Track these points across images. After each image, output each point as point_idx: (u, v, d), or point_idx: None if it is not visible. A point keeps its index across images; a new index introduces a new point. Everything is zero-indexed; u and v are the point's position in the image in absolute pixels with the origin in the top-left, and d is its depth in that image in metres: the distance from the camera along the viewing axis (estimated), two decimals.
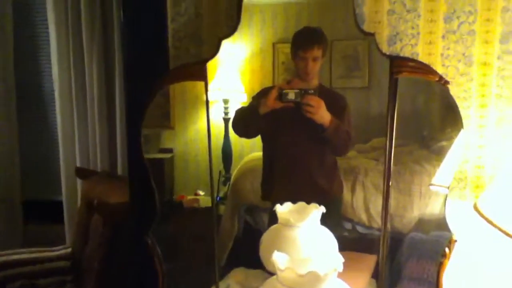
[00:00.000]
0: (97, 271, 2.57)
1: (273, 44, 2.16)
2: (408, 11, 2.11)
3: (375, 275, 2.07)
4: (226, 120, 2.20)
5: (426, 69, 1.82)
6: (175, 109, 2.22)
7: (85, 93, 3.15)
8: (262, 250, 1.76)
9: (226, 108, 2.19)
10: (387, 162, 1.93)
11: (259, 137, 2.17)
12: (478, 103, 2.14)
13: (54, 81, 3.20)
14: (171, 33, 2.19)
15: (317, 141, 2.05)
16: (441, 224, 2.08)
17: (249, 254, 2.12)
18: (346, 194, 2.19)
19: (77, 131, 3.19)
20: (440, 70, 2.01)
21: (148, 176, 1.95)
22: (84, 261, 2.80)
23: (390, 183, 1.96)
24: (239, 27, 1.96)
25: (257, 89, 2.12)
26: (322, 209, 1.73)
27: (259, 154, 2.18)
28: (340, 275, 1.46)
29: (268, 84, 2.13)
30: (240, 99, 2.17)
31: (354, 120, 2.10)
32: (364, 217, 2.21)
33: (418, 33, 2.12)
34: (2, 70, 3.29)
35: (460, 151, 2.01)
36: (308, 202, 1.81)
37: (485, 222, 1.78)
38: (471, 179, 2.18)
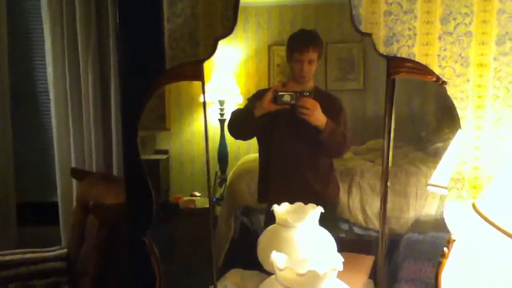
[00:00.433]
0: (92, 272, 2.58)
1: (269, 47, 2.17)
2: (404, 12, 2.14)
3: (372, 276, 2.11)
4: (222, 122, 2.21)
5: (424, 70, 1.85)
6: (171, 110, 2.23)
7: (80, 94, 3.16)
8: (260, 251, 1.80)
9: (222, 110, 2.21)
10: (384, 163, 1.97)
11: (255, 138, 2.19)
12: (474, 104, 2.18)
13: (49, 81, 3.22)
14: (167, 33, 2.20)
15: (312, 144, 2.07)
16: (438, 225, 2.12)
17: (245, 255, 2.16)
18: (343, 196, 2.22)
19: (72, 132, 3.20)
20: (436, 71, 2.03)
21: (144, 177, 1.97)
22: (80, 263, 2.81)
23: (388, 183, 2.00)
24: (235, 29, 1.98)
25: (252, 91, 2.15)
26: (320, 209, 1.76)
27: (255, 155, 2.20)
28: (337, 276, 1.48)
29: (264, 86, 2.15)
30: (236, 101, 2.19)
31: (350, 122, 2.12)
32: (360, 218, 2.24)
33: (415, 34, 2.15)
34: None
35: (458, 152, 2.04)
36: (305, 204, 1.84)
37: (484, 221, 1.80)
38: (469, 180, 2.22)
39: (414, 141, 2.24)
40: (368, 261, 2.14)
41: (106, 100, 3.14)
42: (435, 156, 2.19)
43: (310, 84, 2.14)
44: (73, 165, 3.23)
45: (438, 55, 2.16)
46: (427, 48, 2.16)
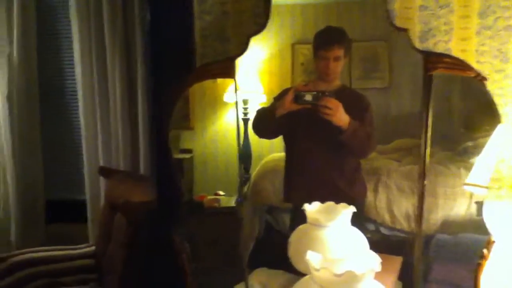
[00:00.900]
0: (120, 269, 2.60)
1: (292, 45, 2.19)
2: (440, 6, 2.11)
3: (401, 277, 2.09)
4: (245, 121, 2.25)
5: (463, 65, 1.82)
6: (194, 110, 2.27)
7: (107, 93, 3.19)
8: (291, 250, 1.81)
9: (245, 109, 2.24)
10: (422, 162, 1.95)
11: (278, 138, 2.21)
12: None
13: (77, 80, 3.26)
14: (197, 31, 2.23)
15: (336, 144, 2.07)
16: (468, 226, 2.11)
17: (270, 254, 2.18)
18: (369, 195, 2.23)
19: (100, 131, 3.24)
20: (474, 66, 1.97)
21: (173, 175, 1.99)
22: (107, 260, 2.84)
23: (425, 182, 1.98)
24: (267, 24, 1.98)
25: (275, 90, 2.16)
26: (352, 208, 1.75)
27: (278, 154, 2.23)
28: None
29: (287, 85, 2.16)
30: (259, 100, 2.21)
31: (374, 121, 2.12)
32: (387, 218, 2.24)
33: (452, 29, 2.12)
34: (25, 70, 3.36)
35: (498, 149, 1.98)
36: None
37: None
38: (507, 179, 2.17)
39: (439, 140, 2.19)
40: (396, 262, 2.11)
41: (133, 98, 3.17)
42: (464, 155, 2.19)
43: (337, 83, 2.14)
44: (100, 163, 3.27)
45: (476, 50, 2.12)
46: (464, 43, 2.12)
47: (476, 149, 2.20)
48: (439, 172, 2.18)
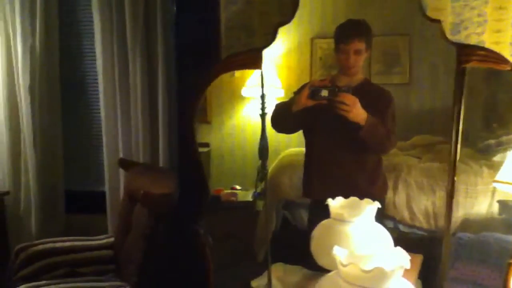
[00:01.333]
0: (139, 261, 2.62)
1: (311, 39, 2.18)
2: None
3: (421, 275, 2.06)
4: (263, 116, 2.25)
5: (498, 58, 1.77)
6: (212, 104, 2.28)
7: (128, 86, 3.22)
8: (313, 245, 1.80)
9: (263, 104, 2.25)
10: (452, 158, 1.91)
11: (295, 133, 2.22)
12: None
13: (98, 73, 3.30)
14: (223, 22, 2.23)
15: (356, 139, 2.05)
16: (490, 225, 2.10)
17: (287, 249, 2.20)
18: (389, 192, 2.23)
19: (120, 123, 3.28)
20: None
21: (197, 168, 2.00)
22: (126, 251, 2.87)
23: (455, 180, 1.94)
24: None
25: (294, 85, 2.16)
26: (377, 204, 1.73)
27: (295, 149, 2.23)
28: None
29: (305, 80, 2.16)
30: (277, 95, 2.22)
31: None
32: (406, 216, 2.24)
33: (485, 21, 2.08)
34: (47, 62, 3.42)
35: None
36: None
37: None
38: None
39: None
40: (416, 260, 2.07)
41: (153, 91, 3.20)
42: (486, 153, 2.17)
43: (359, 76, 2.13)
44: (120, 155, 3.30)
45: (511, 43, 2.08)
46: (498, 36, 2.08)
47: (499, 147, 2.19)
48: (460, 169, 2.13)
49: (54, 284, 2.70)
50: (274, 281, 2.15)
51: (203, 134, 2.15)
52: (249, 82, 2.21)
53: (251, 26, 2.23)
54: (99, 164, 3.55)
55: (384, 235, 1.77)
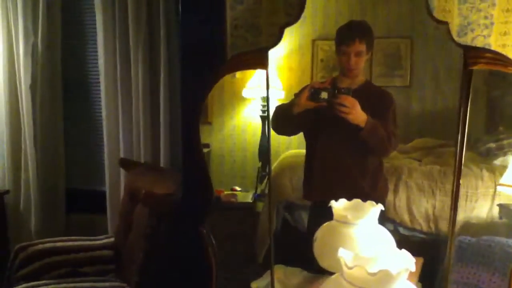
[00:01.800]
0: (140, 261, 2.64)
1: (312, 41, 2.18)
2: (482, 0, 2.06)
3: (422, 278, 2.06)
4: (263, 118, 2.27)
5: (505, 60, 1.77)
6: (213, 104, 2.29)
7: (130, 85, 3.25)
8: (317, 247, 1.77)
9: (263, 106, 2.25)
10: (457, 162, 1.90)
11: (297, 135, 2.23)
12: None
13: (100, 72, 3.33)
14: (229, 21, 2.21)
15: (356, 142, 2.05)
16: (490, 228, 2.10)
17: (287, 251, 2.20)
18: (389, 195, 2.22)
19: (122, 123, 3.31)
20: None
21: (201, 168, 2.00)
22: (127, 251, 2.90)
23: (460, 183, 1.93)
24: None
25: (295, 87, 2.16)
26: (380, 207, 1.72)
27: (296, 151, 2.23)
28: None
29: (306, 81, 2.16)
30: (277, 97, 2.22)
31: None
32: (406, 218, 2.24)
33: (492, 23, 2.07)
34: (49, 60, 3.45)
35: None
36: None
37: None
38: None
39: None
40: (417, 263, 2.08)
41: (155, 91, 3.22)
42: (487, 156, 2.17)
43: (361, 78, 2.13)
44: (121, 155, 3.33)
45: None
46: (505, 38, 2.07)
47: (500, 150, 2.20)
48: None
49: (54, 284, 2.72)
50: (274, 283, 2.12)
51: (204, 135, 2.13)
52: (250, 83, 2.22)
53: (258, 25, 2.22)
54: (100, 164, 3.57)
55: (387, 238, 1.75)
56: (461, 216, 2.16)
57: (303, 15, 2.00)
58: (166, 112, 3.18)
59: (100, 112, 3.41)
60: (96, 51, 3.36)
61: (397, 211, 2.24)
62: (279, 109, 2.16)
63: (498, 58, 1.77)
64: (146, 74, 3.19)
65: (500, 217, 2.19)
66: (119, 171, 3.34)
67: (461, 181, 2.09)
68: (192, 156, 2.03)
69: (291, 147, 2.30)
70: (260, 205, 2.34)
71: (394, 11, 2.09)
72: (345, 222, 1.71)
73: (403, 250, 1.42)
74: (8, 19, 3.39)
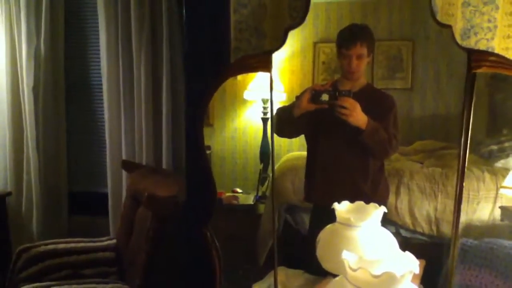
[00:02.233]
0: (143, 263, 2.65)
1: (314, 44, 2.19)
2: (485, 3, 2.05)
3: (424, 280, 2.02)
4: (264, 120, 2.27)
5: (509, 64, 1.76)
6: (214, 107, 2.30)
7: (132, 88, 3.26)
8: (320, 249, 1.76)
9: (265, 108, 2.26)
10: (460, 164, 1.89)
11: (299, 137, 2.23)
12: None
13: (102, 75, 3.34)
14: (233, 24, 2.21)
15: (358, 144, 2.06)
16: (492, 231, 2.10)
17: (289, 253, 2.21)
18: (390, 197, 2.22)
19: (124, 125, 3.32)
20: None
21: (205, 170, 2.01)
22: (129, 253, 2.91)
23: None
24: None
25: (296, 89, 2.17)
26: (383, 209, 1.72)
27: (297, 153, 2.24)
28: None
29: (308, 84, 2.17)
30: (279, 99, 2.23)
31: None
32: (408, 221, 2.24)
33: (495, 27, 2.07)
34: (52, 62, 3.46)
35: None
36: None
37: None
38: None
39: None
40: (419, 265, 2.09)
41: (157, 94, 3.23)
42: (489, 158, 2.18)
43: (362, 81, 2.14)
44: (123, 157, 3.35)
45: None
46: (508, 41, 2.07)
47: (502, 153, 2.21)
48: None
49: (56, 285, 2.73)
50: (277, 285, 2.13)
51: (205, 137, 2.14)
52: (251, 85, 2.22)
53: (262, 29, 2.22)
54: (102, 166, 3.58)
55: (390, 240, 1.75)
56: (463, 219, 2.15)
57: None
58: (168, 114, 3.19)
59: (103, 114, 3.42)
60: (99, 54, 3.37)
61: (399, 214, 2.24)
62: (280, 111, 2.16)
63: (501, 61, 1.77)
64: (148, 76, 3.20)
65: (502, 220, 2.19)
66: (121, 173, 3.35)
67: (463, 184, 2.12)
68: (195, 158, 2.03)
69: (292, 150, 2.31)
70: (261, 207, 2.34)
71: (396, 14, 2.09)
72: (348, 224, 1.70)
73: (407, 252, 1.42)
74: (11, 21, 3.41)
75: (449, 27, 1.92)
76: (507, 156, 2.18)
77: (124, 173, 3.31)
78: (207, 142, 2.29)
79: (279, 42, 1.92)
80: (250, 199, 2.38)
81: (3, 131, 3.54)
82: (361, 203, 1.80)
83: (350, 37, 2.08)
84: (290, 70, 2.22)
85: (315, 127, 2.14)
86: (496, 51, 2.04)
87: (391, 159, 2.23)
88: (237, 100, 2.26)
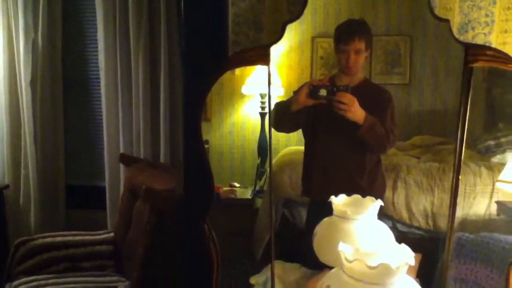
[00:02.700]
0: (141, 256, 2.64)
1: (312, 38, 2.19)
2: None
3: (419, 274, 2.04)
4: (262, 115, 2.27)
5: (506, 58, 1.75)
6: (212, 101, 2.30)
7: (130, 82, 3.26)
8: (316, 242, 1.76)
9: (263, 103, 2.26)
10: (457, 159, 1.87)
11: (294, 132, 2.23)
12: None
13: (100, 68, 3.34)
14: (231, 17, 2.20)
15: (355, 139, 2.06)
16: (488, 225, 2.11)
17: (286, 247, 2.21)
18: (387, 192, 2.22)
19: (122, 119, 3.32)
20: None
21: (203, 164, 2.01)
22: (127, 247, 2.91)
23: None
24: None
25: (294, 84, 2.16)
26: (380, 202, 1.72)
27: (295, 148, 2.24)
28: None
29: (306, 79, 2.17)
30: (277, 94, 2.23)
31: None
32: (405, 215, 2.25)
33: (493, 21, 2.06)
34: (50, 57, 3.45)
35: None
36: None
37: None
38: None
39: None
40: (415, 259, 2.09)
41: (155, 87, 3.23)
42: (485, 154, 2.18)
43: (360, 76, 2.13)
44: (121, 151, 3.34)
45: None
46: (505, 36, 2.06)
47: (498, 148, 2.21)
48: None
49: (54, 278, 2.74)
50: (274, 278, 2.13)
51: (203, 132, 2.13)
52: (249, 80, 2.21)
53: (260, 22, 2.20)
54: (100, 159, 3.58)
55: (386, 233, 1.76)
56: (459, 213, 2.17)
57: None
58: (166, 108, 3.19)
59: (100, 108, 3.42)
60: (97, 47, 3.36)
61: (396, 208, 2.24)
62: (278, 106, 2.16)
63: (498, 55, 1.76)
64: (146, 69, 3.20)
65: (498, 214, 2.20)
66: (119, 166, 3.35)
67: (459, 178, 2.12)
68: (193, 152, 2.03)
69: (290, 144, 2.31)
70: (259, 202, 2.34)
71: (394, 9, 2.09)
72: (345, 218, 1.70)
73: (403, 245, 1.42)
74: (8, 15, 3.39)
75: (446, 21, 1.90)
76: (504, 151, 2.19)
77: (122, 167, 3.31)
78: (205, 137, 2.27)
79: (277, 36, 1.90)
80: (247, 194, 2.38)
81: (1, 124, 3.53)
82: (358, 196, 1.79)
83: (348, 32, 2.08)
84: (288, 65, 2.22)
85: (313, 122, 2.14)
86: (493, 46, 2.03)
87: (388, 154, 2.23)
88: (235, 95, 2.25)
